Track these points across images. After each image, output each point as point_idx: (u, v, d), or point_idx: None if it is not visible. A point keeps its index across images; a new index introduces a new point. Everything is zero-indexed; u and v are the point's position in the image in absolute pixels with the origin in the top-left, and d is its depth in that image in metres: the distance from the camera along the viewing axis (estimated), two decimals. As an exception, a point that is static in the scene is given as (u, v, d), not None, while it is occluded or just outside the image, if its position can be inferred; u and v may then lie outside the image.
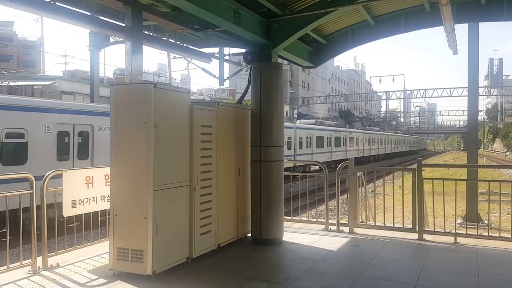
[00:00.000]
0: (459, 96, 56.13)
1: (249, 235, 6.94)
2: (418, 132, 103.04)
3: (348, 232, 7.39)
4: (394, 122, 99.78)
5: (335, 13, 6.79)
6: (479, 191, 12.12)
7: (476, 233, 6.95)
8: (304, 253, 6.20)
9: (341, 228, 7.56)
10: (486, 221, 11.16)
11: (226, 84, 60.70)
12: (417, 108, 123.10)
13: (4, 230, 5.22)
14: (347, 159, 7.77)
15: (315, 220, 8.21)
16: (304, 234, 7.33)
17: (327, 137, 34.06)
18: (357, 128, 50.99)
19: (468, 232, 7.05)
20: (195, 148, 5.55)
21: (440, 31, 7.51)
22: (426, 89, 60.91)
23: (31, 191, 5.15)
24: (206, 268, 5.43)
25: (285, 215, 7.33)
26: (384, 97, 70.39)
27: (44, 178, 5.25)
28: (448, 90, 58.67)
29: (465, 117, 61.03)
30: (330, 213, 8.11)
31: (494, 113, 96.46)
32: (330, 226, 7.65)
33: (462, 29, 9.78)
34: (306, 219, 8.52)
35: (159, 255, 4.92)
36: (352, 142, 41.27)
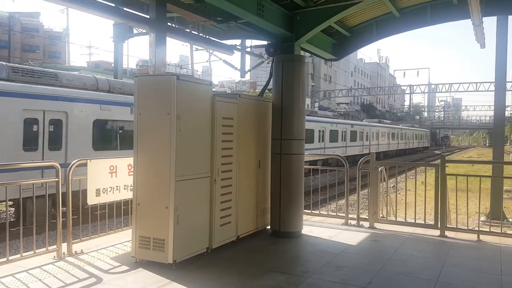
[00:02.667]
0: (485, 91, 54.79)
1: (269, 227, 6.97)
2: (442, 127, 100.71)
3: (368, 227, 7.35)
4: (417, 117, 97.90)
5: (360, 5, 6.70)
6: (504, 188, 11.87)
7: (500, 231, 6.82)
8: (323, 247, 6.20)
9: (361, 223, 7.52)
10: (510, 219, 10.96)
11: (247, 76, 60.75)
12: (442, 103, 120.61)
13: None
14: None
15: (334, 214, 8.17)
16: (324, 228, 7.32)
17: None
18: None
19: (491, 230, 6.92)
20: (216, 140, 5.59)
21: (466, 24, 7.34)
22: (452, 83, 59.74)
23: (56, 179, 5.28)
24: (225, 259, 5.49)
25: (304, 209, 7.33)
26: (408, 91, 69.25)
27: (69, 167, 5.38)
28: (474, 84, 57.42)
29: (491, 113, 59.47)
30: (350, 208, 8.06)
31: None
32: (350, 221, 7.61)
33: (489, 22, 9.54)
34: (326, 213, 8.50)
35: (180, 244, 4.99)
36: None
